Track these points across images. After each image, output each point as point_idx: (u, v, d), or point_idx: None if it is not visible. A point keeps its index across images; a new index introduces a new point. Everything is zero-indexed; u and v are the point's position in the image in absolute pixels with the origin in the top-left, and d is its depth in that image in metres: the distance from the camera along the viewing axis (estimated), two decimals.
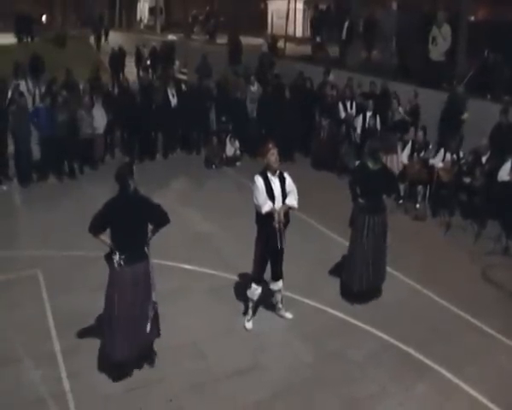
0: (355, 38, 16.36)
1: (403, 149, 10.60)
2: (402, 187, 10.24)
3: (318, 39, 18.68)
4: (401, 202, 10.27)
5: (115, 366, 5.69)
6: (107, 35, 29.40)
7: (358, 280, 7.01)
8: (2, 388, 5.54)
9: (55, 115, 11.20)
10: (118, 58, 20.69)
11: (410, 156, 10.30)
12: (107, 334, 5.55)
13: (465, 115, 10.69)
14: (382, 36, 16.39)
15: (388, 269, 7.32)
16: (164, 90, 13.26)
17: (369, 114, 11.86)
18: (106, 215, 5.39)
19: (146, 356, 5.85)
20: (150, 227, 5.61)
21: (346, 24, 16.45)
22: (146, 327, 5.61)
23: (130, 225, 5.37)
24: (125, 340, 5.46)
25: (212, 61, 16.83)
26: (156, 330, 5.77)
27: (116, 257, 5.41)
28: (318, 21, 18.75)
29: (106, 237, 5.49)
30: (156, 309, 5.74)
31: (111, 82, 17.55)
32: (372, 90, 12.53)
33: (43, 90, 12.84)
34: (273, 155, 6.16)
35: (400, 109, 11.42)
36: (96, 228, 5.42)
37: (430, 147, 10.24)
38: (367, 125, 11.81)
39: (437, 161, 9.96)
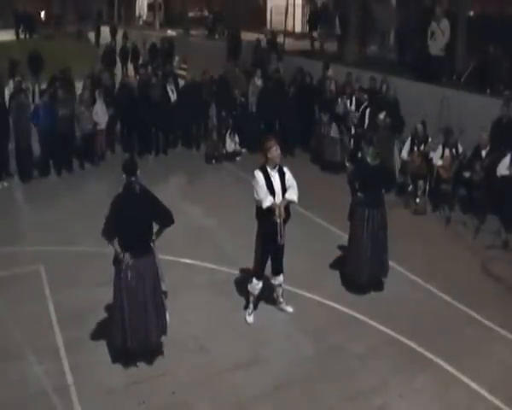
0: (351, 33, 16.26)
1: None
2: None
3: (315, 35, 18.68)
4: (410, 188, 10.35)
5: (123, 357, 5.75)
6: (126, 36, 24.68)
7: (361, 273, 7.07)
8: (6, 382, 5.59)
9: (56, 111, 11.22)
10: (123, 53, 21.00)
11: (410, 151, 10.32)
12: (117, 326, 5.61)
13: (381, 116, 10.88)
14: (380, 30, 16.41)
15: (390, 263, 7.34)
16: (163, 86, 13.25)
17: (368, 109, 11.89)
18: (115, 215, 5.43)
19: (156, 348, 5.91)
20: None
21: (337, 18, 16.43)
22: (162, 321, 5.72)
23: (135, 219, 5.43)
24: (135, 331, 5.54)
25: (211, 57, 16.83)
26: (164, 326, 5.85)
27: (125, 259, 5.48)
28: (314, 17, 18.75)
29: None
30: (165, 298, 5.82)
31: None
32: (372, 85, 12.54)
33: (42, 86, 12.86)
34: (276, 151, 6.20)
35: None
36: (109, 233, 5.46)
37: (430, 140, 10.25)
38: (366, 120, 11.84)
39: (436, 158, 9.98)
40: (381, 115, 10.74)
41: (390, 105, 11.10)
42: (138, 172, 5.52)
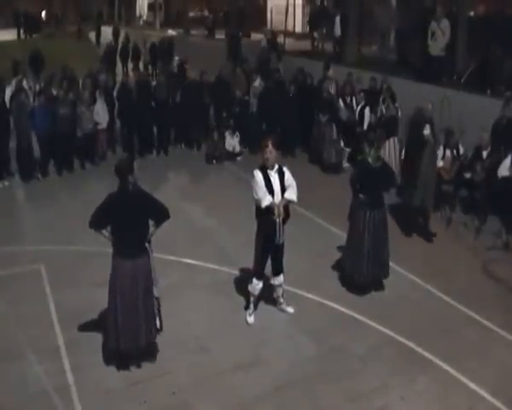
0: (351, 33, 16.24)
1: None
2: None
3: (316, 35, 18.68)
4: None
5: (117, 358, 5.74)
6: (128, 38, 23.40)
7: (362, 273, 7.07)
8: (6, 381, 5.58)
9: (55, 111, 11.20)
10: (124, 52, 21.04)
11: None
12: (110, 326, 5.60)
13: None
14: (380, 30, 16.41)
15: (390, 263, 7.33)
16: (168, 87, 13.24)
17: (367, 109, 11.91)
18: (105, 211, 5.42)
19: (147, 351, 5.86)
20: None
21: (338, 18, 16.41)
22: (151, 325, 5.68)
23: (130, 219, 5.40)
24: (126, 332, 5.52)
25: (211, 57, 16.81)
26: (159, 326, 5.82)
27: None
28: (315, 17, 18.77)
29: (107, 231, 5.55)
30: (159, 305, 5.79)
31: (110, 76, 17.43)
32: (372, 85, 12.54)
33: (43, 86, 12.85)
34: (270, 153, 6.14)
35: (390, 106, 11.42)
36: (95, 224, 5.46)
37: None
38: (368, 120, 11.84)
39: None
40: (426, 131, 10.29)
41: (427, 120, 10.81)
42: (131, 177, 5.42)
